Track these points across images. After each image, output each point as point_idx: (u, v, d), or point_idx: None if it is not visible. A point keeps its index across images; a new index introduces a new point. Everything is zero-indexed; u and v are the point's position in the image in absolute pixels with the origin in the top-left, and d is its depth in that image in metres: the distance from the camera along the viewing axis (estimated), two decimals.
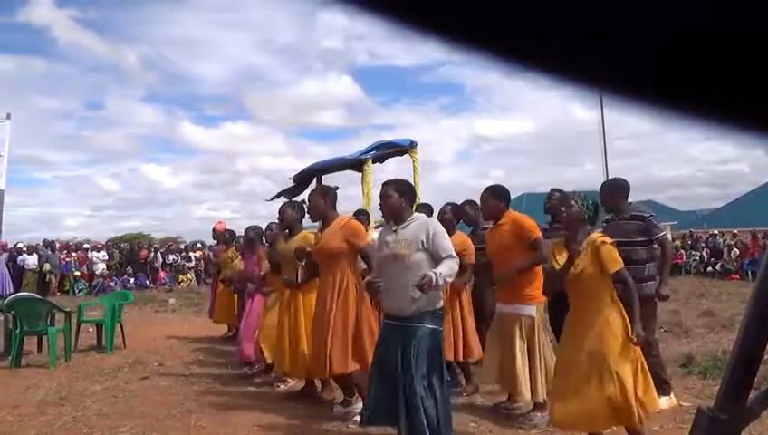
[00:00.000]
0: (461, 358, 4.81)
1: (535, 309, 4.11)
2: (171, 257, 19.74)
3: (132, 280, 18.02)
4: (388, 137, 9.40)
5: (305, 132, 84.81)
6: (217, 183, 68.44)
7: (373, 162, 8.35)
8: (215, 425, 4.21)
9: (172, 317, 11.18)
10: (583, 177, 68.43)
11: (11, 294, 9.91)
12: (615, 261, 3.23)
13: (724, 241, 19.61)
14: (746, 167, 55.32)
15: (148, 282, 18.31)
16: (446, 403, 3.50)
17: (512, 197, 4.59)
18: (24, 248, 16.97)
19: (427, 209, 5.05)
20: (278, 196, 9.24)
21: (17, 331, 6.32)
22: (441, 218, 4.64)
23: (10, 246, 17.01)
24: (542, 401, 3.99)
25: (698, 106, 0.37)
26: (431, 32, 0.35)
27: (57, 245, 18.22)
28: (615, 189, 4.54)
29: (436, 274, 3.24)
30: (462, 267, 4.29)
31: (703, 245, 20.19)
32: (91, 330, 7.84)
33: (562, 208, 3.56)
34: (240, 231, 7.83)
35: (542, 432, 3.90)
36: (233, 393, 5.16)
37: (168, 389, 5.35)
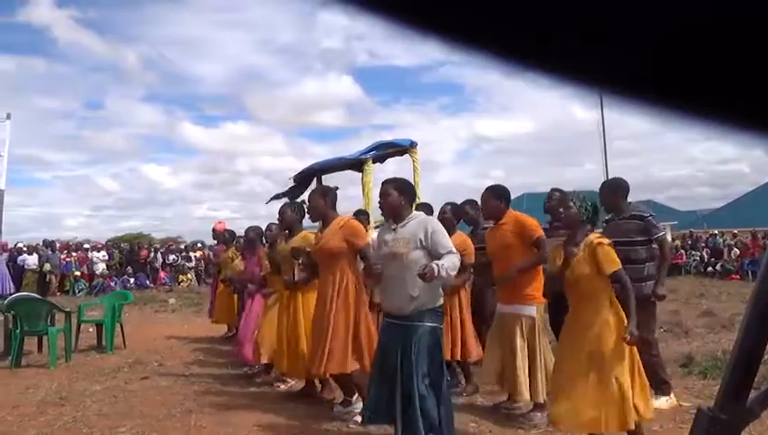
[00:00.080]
0: (459, 358, 4.81)
1: (536, 309, 4.11)
2: (171, 257, 19.75)
3: (132, 280, 18.03)
4: (388, 137, 9.41)
5: (305, 132, 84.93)
6: (217, 183, 68.55)
7: (373, 162, 8.35)
8: (215, 425, 4.21)
9: (172, 317, 11.18)
10: (583, 177, 68.53)
11: (11, 294, 9.92)
12: (612, 262, 3.23)
13: (724, 241, 19.62)
14: (746, 167, 55.38)
15: (148, 282, 18.32)
16: (448, 404, 3.50)
17: (512, 197, 4.59)
18: (25, 248, 16.97)
19: (427, 209, 5.05)
20: (277, 197, 9.24)
21: (17, 331, 6.31)
22: (441, 218, 4.64)
23: (10, 246, 17.02)
24: (541, 401, 3.98)
25: (698, 106, 0.37)
26: (431, 32, 0.35)
27: (57, 245, 18.23)
28: (614, 189, 4.55)
29: (437, 265, 3.25)
30: (462, 267, 4.30)
31: (703, 245, 20.19)
32: (91, 330, 7.84)
33: (561, 210, 3.57)
34: (240, 231, 7.84)
35: (542, 432, 3.90)
36: (233, 393, 5.16)
37: (167, 389, 5.35)
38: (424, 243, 3.43)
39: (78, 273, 17.47)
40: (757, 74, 0.35)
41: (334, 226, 4.22)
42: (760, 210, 24.19)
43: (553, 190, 5.16)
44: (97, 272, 17.87)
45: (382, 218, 4.16)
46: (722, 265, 17.99)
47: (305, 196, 5.40)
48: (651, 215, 4.43)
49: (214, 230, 9.01)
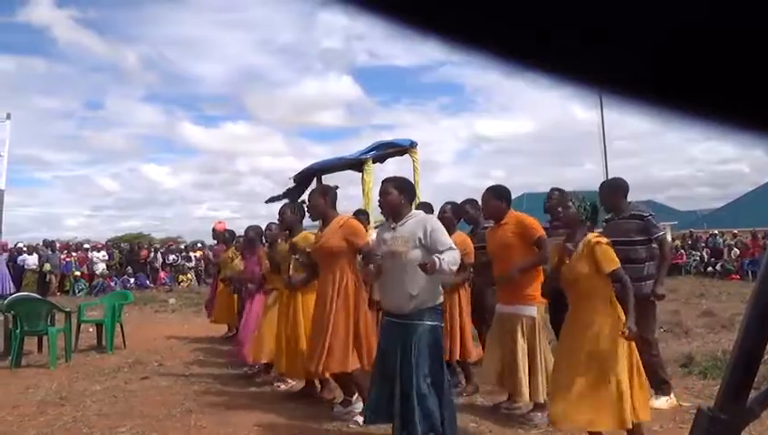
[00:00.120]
0: (458, 358, 4.81)
1: (536, 309, 4.11)
2: (171, 257, 19.75)
3: (132, 280, 18.03)
4: (388, 137, 9.42)
5: (305, 132, 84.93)
6: (217, 183, 68.55)
7: (373, 162, 8.36)
8: (215, 425, 4.21)
9: (172, 317, 11.18)
10: (583, 177, 68.52)
11: (11, 294, 9.92)
12: (611, 261, 3.23)
13: (724, 241, 19.62)
14: (746, 167, 55.34)
15: (148, 282, 18.32)
16: (451, 404, 3.49)
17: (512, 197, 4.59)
18: (25, 248, 16.97)
19: (427, 208, 5.06)
20: (272, 200, 9.24)
21: (17, 331, 6.31)
22: (441, 218, 4.64)
23: (10, 246, 17.02)
24: (542, 401, 3.98)
25: (698, 106, 0.37)
26: (431, 32, 0.35)
27: (57, 245, 18.23)
28: (614, 189, 4.55)
29: (439, 258, 3.27)
30: (461, 266, 4.29)
31: (703, 245, 20.19)
32: (91, 330, 7.83)
33: (559, 209, 3.58)
34: (240, 231, 7.84)
35: (542, 432, 3.90)
36: (233, 393, 5.16)
37: (168, 389, 5.35)
38: (423, 241, 3.43)
39: (78, 273, 17.46)
40: (757, 74, 0.35)
41: (334, 225, 4.23)
42: (760, 210, 24.18)
43: (553, 190, 5.16)
44: (97, 272, 17.86)
45: (382, 218, 4.17)
46: (722, 265, 17.99)
47: (305, 196, 5.40)
48: (651, 214, 4.43)
49: (214, 230, 9.00)
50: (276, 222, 5.44)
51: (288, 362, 4.76)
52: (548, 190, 5.29)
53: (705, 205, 36.65)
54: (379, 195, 3.70)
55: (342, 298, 4.11)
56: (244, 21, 79.85)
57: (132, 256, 19.46)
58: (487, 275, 4.64)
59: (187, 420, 4.37)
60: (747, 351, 1.08)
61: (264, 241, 6.24)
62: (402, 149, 8.42)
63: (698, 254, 19.62)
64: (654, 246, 4.41)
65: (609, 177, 5.66)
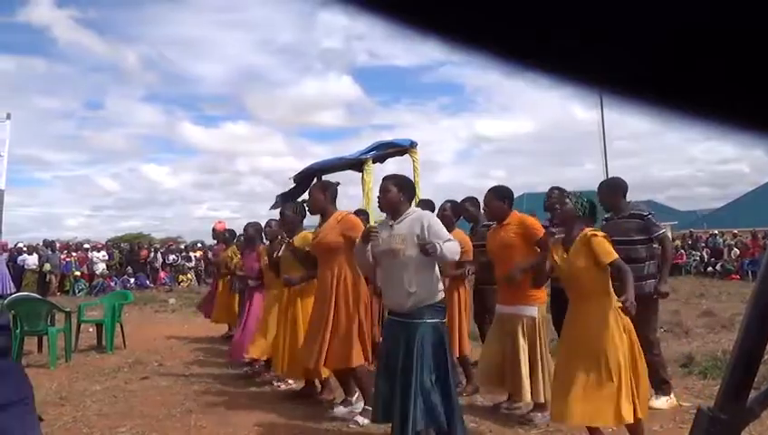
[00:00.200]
0: (457, 354, 4.80)
1: (537, 309, 4.10)
2: (171, 257, 19.74)
3: (132, 280, 18.02)
4: (388, 137, 9.40)
5: (305, 132, 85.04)
6: (217, 183, 68.63)
7: (373, 162, 8.34)
8: (215, 425, 4.21)
9: (172, 317, 11.17)
10: (583, 177, 68.59)
11: (11, 294, 9.91)
12: (608, 253, 3.23)
13: (724, 241, 19.61)
14: (746, 167, 55.40)
15: (148, 282, 18.31)
16: (457, 404, 3.46)
17: None
18: (25, 248, 16.97)
19: (428, 206, 5.05)
20: (275, 206, 9.23)
21: (17, 331, 6.31)
22: (441, 216, 4.64)
23: (10, 246, 17.03)
24: (542, 401, 3.98)
25: (698, 106, 0.37)
26: (431, 32, 0.35)
27: (57, 245, 18.23)
28: (613, 188, 4.55)
29: (438, 244, 3.32)
30: (459, 263, 4.30)
31: (703, 245, 20.19)
32: (91, 330, 7.83)
33: (557, 206, 3.58)
34: (240, 231, 7.83)
35: (542, 432, 3.90)
36: (233, 393, 5.16)
37: (168, 389, 5.35)
38: (421, 238, 3.44)
39: (78, 273, 17.46)
40: (757, 74, 0.35)
41: (332, 220, 4.24)
42: (760, 210, 24.20)
43: (552, 189, 5.16)
44: (97, 272, 17.86)
45: (382, 218, 4.16)
46: (722, 265, 17.98)
47: (305, 195, 5.39)
48: (651, 213, 4.43)
49: (214, 230, 8.99)
50: (276, 219, 5.45)
51: (288, 362, 4.75)
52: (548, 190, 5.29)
53: (705, 205, 36.70)
54: (379, 192, 3.71)
55: (342, 295, 4.11)
56: (244, 21, 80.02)
57: (132, 256, 19.46)
58: (487, 273, 4.64)
59: (187, 420, 4.37)
60: (747, 351, 1.08)
61: (263, 238, 6.24)
62: (402, 149, 8.40)
63: (698, 254, 19.61)
64: (654, 245, 4.41)
65: (609, 177, 5.66)
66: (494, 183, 4.55)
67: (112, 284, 17.26)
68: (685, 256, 19.29)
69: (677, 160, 63.02)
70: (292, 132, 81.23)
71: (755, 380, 1.10)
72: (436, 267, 3.55)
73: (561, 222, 3.55)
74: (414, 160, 8.31)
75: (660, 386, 4.23)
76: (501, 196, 4.35)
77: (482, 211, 5.03)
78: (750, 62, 0.34)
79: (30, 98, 57.45)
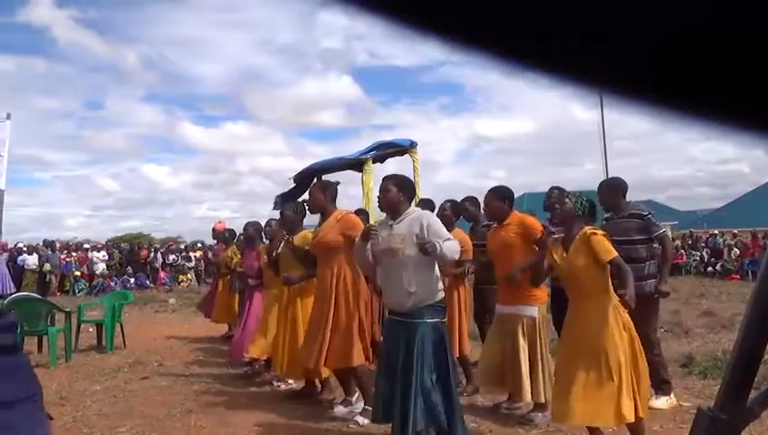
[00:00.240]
0: (457, 354, 4.80)
1: (537, 309, 4.10)
2: (171, 257, 19.74)
3: (132, 280, 18.03)
4: (388, 137, 9.40)
5: (305, 132, 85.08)
6: (217, 183, 68.64)
7: (373, 162, 8.34)
8: (215, 425, 4.21)
9: (172, 317, 11.17)
10: (583, 177, 68.63)
11: (11, 294, 9.91)
12: (607, 251, 3.23)
13: (724, 241, 19.61)
14: (746, 167, 55.39)
15: (148, 282, 18.31)
16: (457, 403, 3.46)
17: None
18: (25, 248, 16.97)
19: (428, 206, 5.05)
20: (277, 204, 9.22)
21: (17, 331, 6.30)
22: (441, 215, 4.64)
23: (10, 246, 17.02)
24: (543, 401, 3.98)
25: (698, 106, 0.37)
26: (431, 32, 0.35)
27: (57, 245, 18.23)
28: (613, 188, 4.55)
29: (438, 242, 3.32)
30: (459, 263, 4.29)
31: (703, 245, 20.20)
32: (91, 330, 7.83)
33: (557, 206, 3.59)
34: (240, 230, 7.83)
35: (542, 432, 3.90)
36: (233, 393, 5.16)
37: (168, 389, 5.35)
38: (420, 237, 3.44)
39: (78, 273, 17.46)
40: (757, 74, 0.35)
41: (332, 219, 4.25)
42: (760, 210, 24.21)
43: (552, 189, 5.16)
44: (97, 272, 17.86)
45: (382, 217, 4.16)
46: (722, 265, 17.99)
47: (305, 195, 5.40)
48: (651, 213, 4.43)
49: (214, 230, 8.99)
50: (276, 219, 5.45)
51: (287, 362, 4.75)
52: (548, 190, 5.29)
53: (705, 205, 36.70)
54: (379, 192, 3.72)
55: (342, 294, 4.12)
56: (244, 21, 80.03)
57: (132, 256, 19.46)
58: (487, 273, 4.64)
59: (187, 420, 4.37)
60: (747, 351, 1.08)
61: (263, 238, 6.24)
62: (402, 149, 8.39)
63: (698, 254, 19.62)
64: (655, 245, 4.41)
65: (609, 176, 5.66)
66: (494, 183, 4.56)
67: (112, 284, 17.26)
68: (685, 256, 19.29)
69: (677, 160, 63.12)
70: (292, 132, 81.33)
71: (755, 380, 1.10)
72: (436, 267, 3.55)
73: (560, 221, 3.55)
74: (414, 160, 8.31)
75: (660, 386, 4.23)
76: (501, 196, 4.35)
77: (482, 211, 5.03)
78: (750, 62, 0.34)
79: (30, 98, 57.50)
